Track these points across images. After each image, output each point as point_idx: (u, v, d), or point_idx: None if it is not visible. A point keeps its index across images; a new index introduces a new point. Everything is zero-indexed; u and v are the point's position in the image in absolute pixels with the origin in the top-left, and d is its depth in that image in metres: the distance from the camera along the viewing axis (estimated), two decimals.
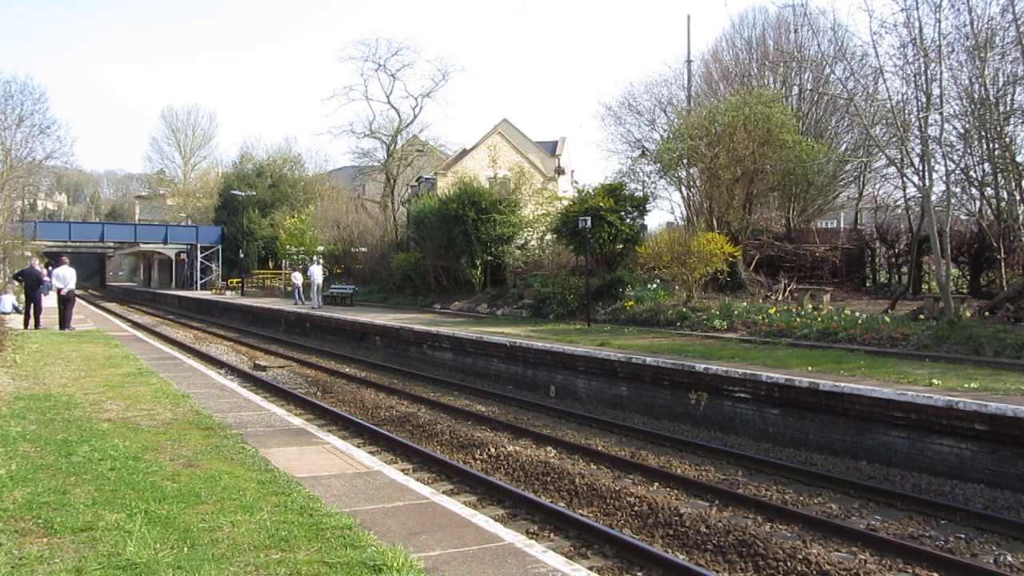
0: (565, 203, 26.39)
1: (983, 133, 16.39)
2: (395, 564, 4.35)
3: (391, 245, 37.76)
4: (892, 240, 24.63)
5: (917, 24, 14.73)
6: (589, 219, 20.55)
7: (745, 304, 19.02)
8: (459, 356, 18.89)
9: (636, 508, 8.14)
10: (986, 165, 17.41)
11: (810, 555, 6.67)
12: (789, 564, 6.56)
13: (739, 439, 11.48)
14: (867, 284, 24.98)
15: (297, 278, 35.94)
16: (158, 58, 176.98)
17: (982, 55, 14.90)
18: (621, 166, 43.18)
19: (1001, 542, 7.30)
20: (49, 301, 21.43)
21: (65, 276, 20.05)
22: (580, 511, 8.23)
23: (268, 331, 30.48)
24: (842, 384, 10.31)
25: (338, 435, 10.48)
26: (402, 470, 9.08)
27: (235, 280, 51.17)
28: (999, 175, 17.20)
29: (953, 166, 16.85)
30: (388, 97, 48.73)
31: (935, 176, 16.85)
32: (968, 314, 15.02)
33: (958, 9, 15.37)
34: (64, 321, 20.11)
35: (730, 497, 8.55)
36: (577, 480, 9.16)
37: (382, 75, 45.47)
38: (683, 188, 26.51)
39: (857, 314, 16.46)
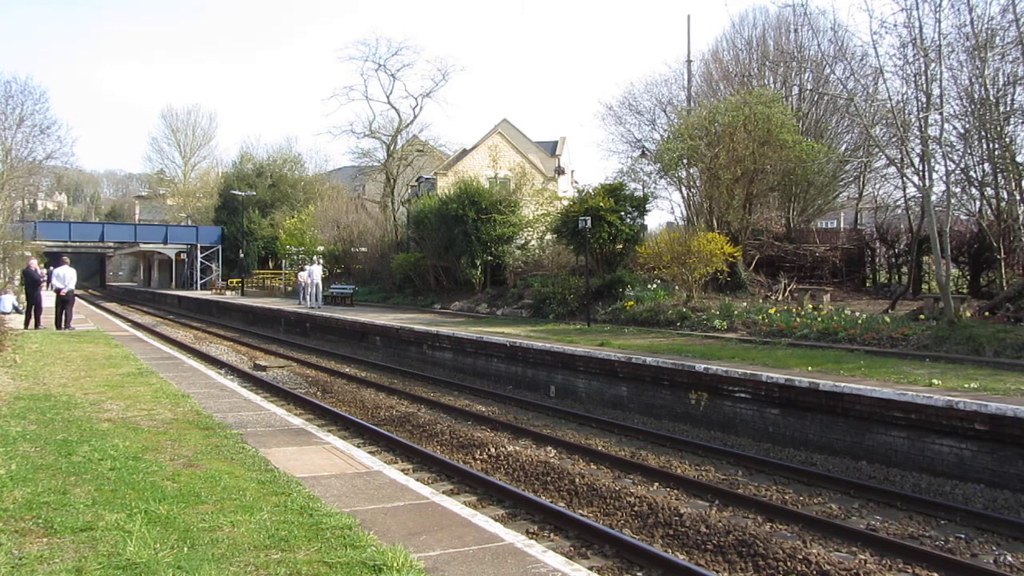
0: (565, 203, 26.40)
1: (983, 133, 16.39)
2: (395, 564, 4.35)
3: (391, 245, 37.76)
4: (892, 240, 24.63)
5: (917, 24, 14.73)
6: (589, 219, 20.55)
7: (745, 304, 19.02)
8: (459, 356, 18.89)
9: (636, 508, 8.14)
10: (986, 165, 17.41)
11: (810, 555, 6.67)
12: (789, 564, 6.56)
13: (739, 439, 11.47)
14: (867, 284, 24.98)
15: (303, 276, 33.61)
16: (158, 58, 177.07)
17: (982, 55, 14.90)
18: (621, 166, 43.18)
19: (1001, 542, 7.30)
20: (49, 301, 21.45)
21: (65, 276, 20.07)
22: (580, 511, 8.23)
23: (268, 331, 30.48)
24: (842, 384, 10.31)
25: (338, 435, 10.48)
26: (402, 470, 9.08)
27: (235, 280, 51.17)
28: (999, 175, 17.20)
29: (953, 166, 16.86)
30: (388, 97, 48.72)
31: (935, 176, 16.87)
32: (968, 314, 15.01)
33: (958, 9, 15.39)
34: (64, 321, 20.12)
35: (730, 497, 8.55)
36: (577, 480, 9.16)
37: (382, 75, 45.57)
38: (683, 188, 26.55)
39: (857, 314, 16.47)
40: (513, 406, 14.48)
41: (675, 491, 8.93)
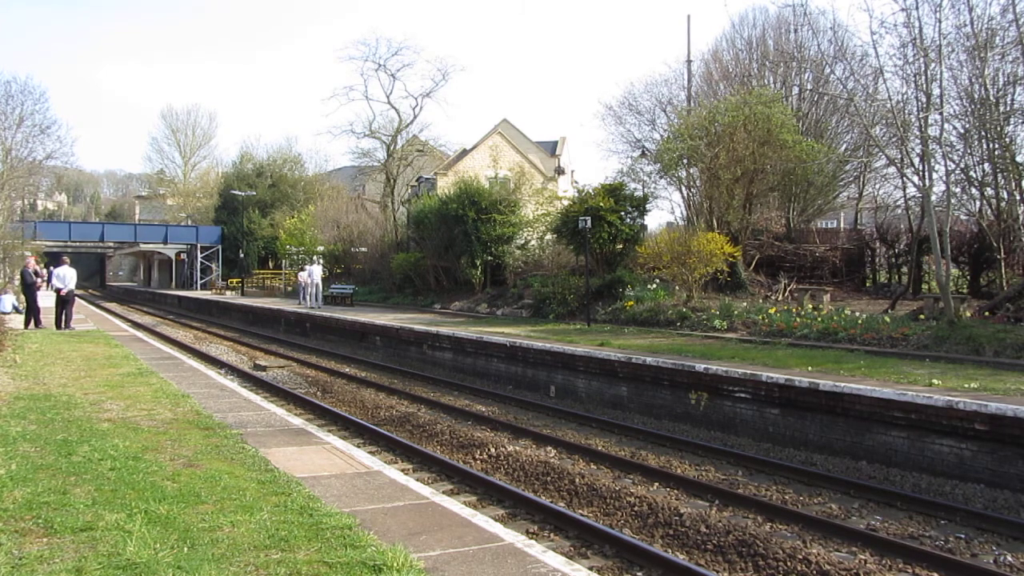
0: (565, 203, 26.39)
1: (983, 133, 16.39)
2: (395, 564, 4.35)
3: (391, 245, 37.77)
4: (892, 240, 24.63)
5: (917, 24, 14.73)
6: (589, 219, 20.55)
7: (745, 304, 19.02)
8: (459, 356, 18.89)
9: (636, 508, 8.14)
10: (986, 165, 17.41)
11: (810, 555, 6.67)
12: (789, 564, 6.56)
13: (739, 439, 11.47)
14: (867, 284, 24.98)
15: (303, 276, 33.31)
16: (158, 58, 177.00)
17: (982, 55, 14.90)
18: (621, 166, 43.20)
19: (1001, 542, 7.30)
20: (48, 301, 21.44)
21: (65, 276, 20.07)
22: (580, 511, 8.23)
23: (268, 331, 30.48)
24: (842, 384, 10.31)
25: (338, 435, 10.48)
26: (402, 470, 9.08)
27: (235, 280, 51.17)
28: (999, 175, 17.19)
29: (953, 166, 16.86)
30: (388, 97, 48.69)
31: (935, 176, 16.87)
32: (968, 314, 15.01)
33: (958, 9, 15.40)
34: (64, 321, 20.12)
35: (730, 497, 8.55)
36: (577, 480, 9.16)
37: (382, 75, 45.54)
38: (683, 188, 26.55)
39: (857, 314, 16.47)
40: (513, 406, 14.48)
41: (675, 491, 8.93)
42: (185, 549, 4.56)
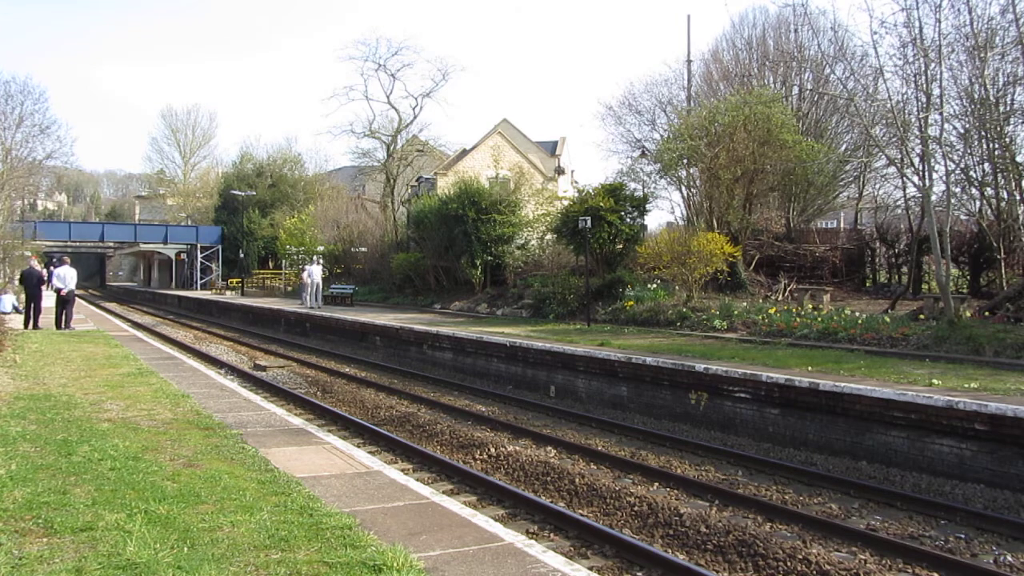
0: (565, 203, 26.38)
1: (983, 133, 16.39)
2: (395, 564, 4.35)
3: (391, 245, 37.76)
4: (892, 240, 24.64)
5: (917, 24, 14.74)
6: (589, 219, 20.54)
7: (745, 304, 19.02)
8: (459, 356, 18.89)
9: (636, 508, 8.14)
10: (986, 165, 17.41)
11: (810, 555, 6.67)
12: (789, 564, 6.56)
13: (739, 439, 11.48)
14: (867, 284, 24.98)
15: (305, 276, 32.80)
16: (158, 58, 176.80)
17: (982, 55, 14.89)
18: (621, 166, 43.18)
19: (1001, 542, 7.30)
20: (49, 301, 21.44)
21: (66, 276, 20.09)
22: (580, 511, 8.23)
23: (268, 331, 30.47)
24: (842, 384, 10.31)
25: (338, 435, 10.47)
26: (402, 470, 9.08)
27: (235, 280, 51.17)
28: (999, 175, 17.19)
29: (953, 166, 16.85)
30: (388, 97, 48.54)
31: (935, 176, 16.87)
32: (968, 314, 15.01)
33: (958, 9, 15.38)
34: (64, 321, 20.12)
35: (730, 497, 8.55)
36: (577, 480, 9.16)
37: (382, 75, 45.44)
38: (683, 188, 26.54)
39: (857, 314, 16.47)
40: (513, 406, 14.48)
41: (675, 491, 8.93)
42: (185, 549, 4.56)
